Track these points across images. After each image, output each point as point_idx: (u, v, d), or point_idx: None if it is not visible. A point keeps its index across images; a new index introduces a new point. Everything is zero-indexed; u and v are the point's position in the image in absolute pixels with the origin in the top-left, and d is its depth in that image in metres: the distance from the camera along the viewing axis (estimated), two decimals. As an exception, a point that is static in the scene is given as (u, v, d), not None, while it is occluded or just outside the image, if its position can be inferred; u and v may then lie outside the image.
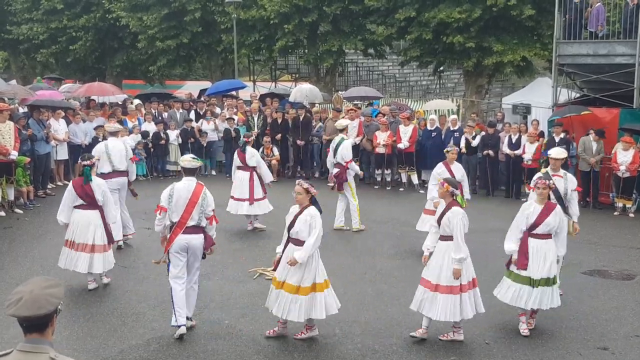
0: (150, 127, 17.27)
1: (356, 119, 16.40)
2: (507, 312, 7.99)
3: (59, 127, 15.39)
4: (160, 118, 17.95)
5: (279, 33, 24.06)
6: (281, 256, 7.16)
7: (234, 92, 21.49)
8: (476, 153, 15.88)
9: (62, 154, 15.45)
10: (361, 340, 7.30)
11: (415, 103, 22.89)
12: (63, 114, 15.83)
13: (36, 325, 3.02)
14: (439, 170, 10.12)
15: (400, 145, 15.93)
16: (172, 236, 7.28)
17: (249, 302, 8.24)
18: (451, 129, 16.30)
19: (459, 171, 10.37)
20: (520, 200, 13.14)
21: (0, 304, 6.87)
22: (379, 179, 16.57)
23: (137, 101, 19.73)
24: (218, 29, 25.59)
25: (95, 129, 15.81)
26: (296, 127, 17.35)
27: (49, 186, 14.77)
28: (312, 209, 7.09)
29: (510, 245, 7.56)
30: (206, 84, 26.37)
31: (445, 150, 10.58)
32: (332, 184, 12.66)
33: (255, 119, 17.91)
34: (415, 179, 16.12)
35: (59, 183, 15.39)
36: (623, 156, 13.80)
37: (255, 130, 17.38)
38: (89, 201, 8.63)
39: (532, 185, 7.72)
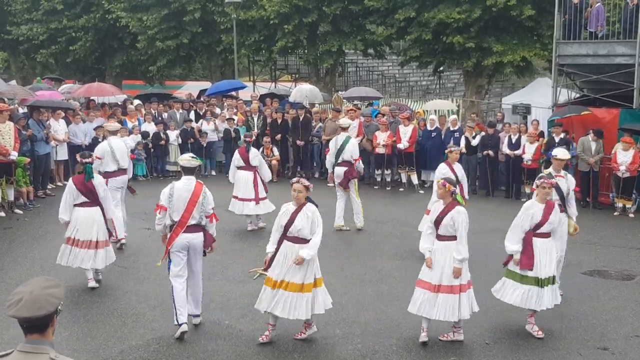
0: (150, 128, 17.27)
1: (356, 119, 16.39)
2: (507, 312, 7.99)
3: (58, 127, 15.39)
4: (160, 118, 17.95)
5: (278, 33, 24.07)
6: (273, 255, 7.09)
7: (233, 93, 21.50)
8: (476, 153, 15.87)
9: (62, 154, 15.45)
10: (361, 340, 7.30)
11: (415, 103, 22.91)
12: (63, 114, 15.84)
13: (36, 325, 3.02)
14: (444, 170, 10.09)
15: (400, 146, 15.92)
16: (173, 235, 7.29)
17: (249, 303, 8.22)
18: (451, 129, 16.30)
19: (459, 171, 10.40)
20: (521, 201, 13.15)
21: (1, 304, 6.88)
22: (378, 179, 16.56)
23: (137, 101, 19.73)
24: (218, 29, 25.60)
25: (95, 129, 15.83)
26: (296, 127, 17.35)
27: (48, 186, 14.77)
28: (311, 206, 7.09)
29: (513, 245, 7.50)
30: (206, 85, 26.37)
31: (448, 150, 10.50)
32: (332, 184, 12.67)
33: (255, 119, 17.91)
34: (415, 179, 16.12)
35: (59, 183, 15.38)
36: (623, 156, 13.80)
37: (255, 130, 17.38)
38: (92, 198, 8.72)
39: (537, 184, 7.63)
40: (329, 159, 12.31)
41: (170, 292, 7.44)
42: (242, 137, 12.87)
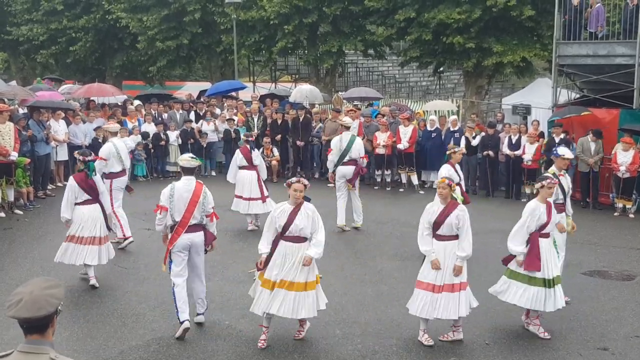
0: (150, 128, 17.27)
1: (356, 120, 16.39)
2: (507, 312, 8.00)
3: (58, 128, 15.39)
4: (160, 119, 17.95)
5: (279, 34, 24.07)
6: (269, 256, 7.03)
7: (233, 93, 21.50)
8: (476, 154, 15.88)
9: (62, 154, 15.45)
10: (361, 341, 7.30)
11: (415, 104, 22.90)
12: (63, 114, 15.84)
13: (36, 326, 3.02)
14: (450, 172, 10.08)
15: (400, 146, 15.93)
16: (175, 235, 7.30)
17: (249, 303, 8.17)
18: (451, 129, 16.30)
19: (460, 172, 10.42)
20: (521, 201, 13.17)
21: (1, 305, 6.88)
22: (378, 179, 16.57)
23: (137, 102, 19.74)
24: (218, 29, 25.60)
25: (95, 129, 15.84)
26: (296, 128, 17.36)
27: (48, 187, 14.77)
28: (309, 204, 7.09)
29: (518, 246, 7.42)
30: (206, 85, 26.38)
31: (451, 151, 10.43)
32: (332, 184, 12.68)
33: (255, 119, 17.92)
34: (415, 179, 16.12)
35: (59, 184, 15.37)
36: (623, 157, 13.80)
37: (255, 131, 17.38)
38: (93, 195, 8.85)
39: (543, 184, 7.60)
40: (332, 158, 12.19)
41: (171, 291, 7.46)
42: (242, 137, 12.83)
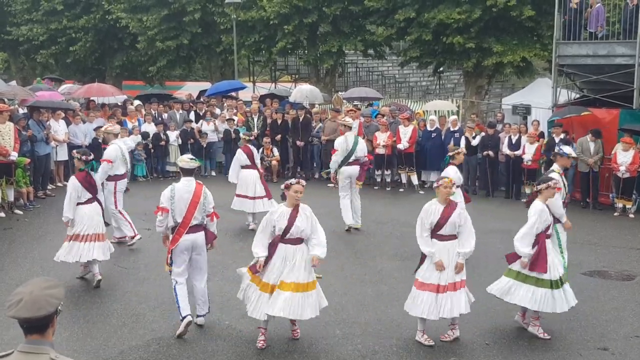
0: (150, 128, 17.27)
1: (356, 120, 16.39)
2: (507, 312, 8.00)
3: (58, 128, 15.39)
4: (160, 119, 17.95)
5: (278, 34, 24.08)
6: (265, 259, 6.95)
7: (233, 93, 21.50)
8: (476, 154, 15.88)
9: (62, 154, 15.44)
10: (361, 341, 7.30)
11: (415, 104, 22.91)
12: (63, 114, 15.84)
13: (36, 326, 3.02)
14: (458, 174, 10.10)
15: (400, 146, 15.93)
16: (177, 236, 7.32)
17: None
18: (451, 129, 16.30)
19: (459, 173, 10.42)
20: (521, 201, 13.17)
21: (1, 305, 6.87)
22: (378, 179, 16.57)
23: (137, 102, 19.74)
24: (218, 29, 25.61)
25: (95, 129, 15.83)
26: (296, 128, 17.37)
27: (48, 187, 14.77)
28: (305, 205, 7.10)
29: (526, 248, 7.34)
30: (206, 85, 26.39)
31: (455, 152, 10.40)
32: (332, 184, 12.69)
33: (255, 119, 17.92)
34: (415, 179, 16.13)
35: (59, 184, 15.38)
36: (623, 157, 13.80)
37: (255, 131, 17.39)
38: (93, 193, 8.96)
39: (550, 185, 7.58)
40: (336, 159, 12.06)
41: (171, 291, 7.48)
42: (242, 135, 12.83)
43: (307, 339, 7.32)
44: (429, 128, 16.63)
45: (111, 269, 9.41)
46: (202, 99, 21.04)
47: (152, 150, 17.05)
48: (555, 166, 8.70)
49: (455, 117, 17.60)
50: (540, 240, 7.38)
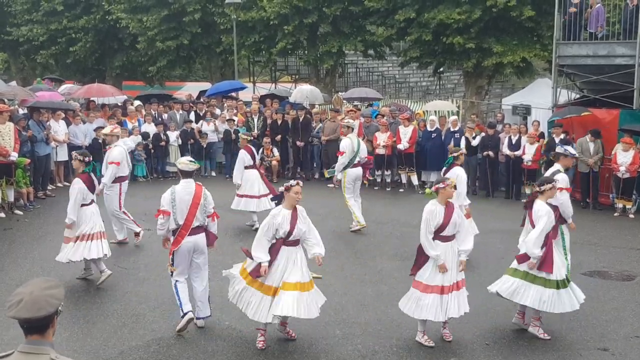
0: (150, 129, 17.27)
1: (356, 120, 16.40)
2: (507, 312, 8.00)
3: (58, 128, 15.40)
4: (160, 119, 17.95)
5: (279, 34, 24.08)
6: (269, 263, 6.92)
7: (233, 94, 21.50)
8: (476, 154, 15.88)
9: (62, 155, 15.45)
10: (361, 341, 7.30)
11: (415, 104, 22.88)
12: (63, 115, 15.86)
13: (37, 326, 3.02)
14: (465, 175, 10.15)
15: (400, 146, 15.93)
16: (179, 238, 7.33)
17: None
18: (451, 130, 16.29)
19: None
20: (521, 201, 13.15)
21: (1, 305, 6.87)
22: (378, 179, 16.57)
23: (137, 102, 19.75)
24: (218, 30, 25.61)
25: (95, 130, 15.84)
26: (296, 128, 17.37)
27: (49, 187, 14.78)
28: (301, 207, 7.11)
29: (537, 249, 7.29)
30: (206, 85, 26.39)
31: (458, 154, 10.42)
32: (332, 185, 12.71)
33: (255, 120, 17.92)
34: (415, 179, 16.13)
35: (59, 184, 15.39)
36: (623, 157, 13.80)
37: (255, 131, 17.39)
38: (93, 192, 9.07)
39: (554, 185, 7.59)
40: (343, 161, 12.00)
41: (171, 291, 7.50)
42: (242, 136, 12.83)
43: (307, 339, 7.32)
44: (429, 128, 16.62)
45: (111, 269, 9.39)
46: (202, 100, 21.04)
47: (152, 151, 17.05)
48: (558, 166, 8.70)
49: (455, 117, 17.60)
50: (547, 241, 7.39)
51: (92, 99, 18.85)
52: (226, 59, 28.17)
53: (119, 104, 19.06)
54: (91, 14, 27.64)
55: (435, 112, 19.62)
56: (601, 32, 15.11)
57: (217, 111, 19.05)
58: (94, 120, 16.53)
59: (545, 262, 7.31)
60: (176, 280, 7.41)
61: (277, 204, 7.36)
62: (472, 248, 7.34)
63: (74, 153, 9.40)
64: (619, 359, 7.06)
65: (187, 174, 7.50)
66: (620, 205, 13.99)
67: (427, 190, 7.42)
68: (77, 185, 8.85)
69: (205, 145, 17.52)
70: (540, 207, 7.44)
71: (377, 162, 16.35)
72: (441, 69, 26.64)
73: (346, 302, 8.42)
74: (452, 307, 7.08)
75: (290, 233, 6.93)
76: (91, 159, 9.08)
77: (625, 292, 9.19)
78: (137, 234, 10.92)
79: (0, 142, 12.28)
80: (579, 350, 7.20)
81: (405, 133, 16.02)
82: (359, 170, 12.08)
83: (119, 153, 10.73)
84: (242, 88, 22.52)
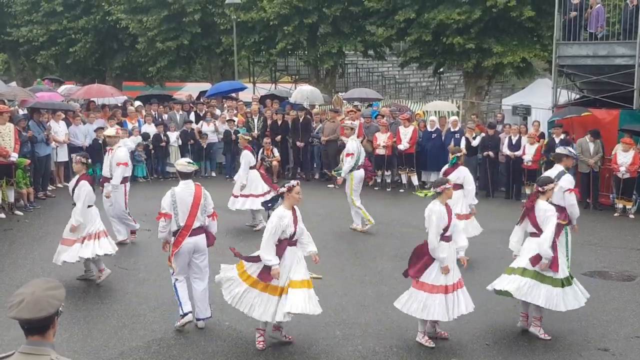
0: (150, 129, 17.27)
1: (356, 121, 16.41)
2: (507, 313, 8.00)
3: (59, 129, 15.40)
4: (160, 120, 17.96)
5: (278, 35, 24.08)
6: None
7: (234, 94, 21.50)
8: (476, 154, 15.88)
9: (62, 155, 15.45)
10: (361, 342, 7.30)
11: (415, 104, 22.87)
12: (63, 115, 15.86)
13: (37, 327, 3.02)
14: (471, 175, 10.18)
15: (400, 147, 15.94)
16: (180, 239, 7.34)
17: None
18: (451, 130, 16.30)
19: None
20: (521, 202, 13.15)
21: (1, 306, 6.88)
22: (379, 180, 16.57)
23: (137, 103, 19.76)
24: (218, 30, 25.63)
25: (95, 130, 15.83)
26: (296, 128, 17.37)
27: (49, 188, 14.79)
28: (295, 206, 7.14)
29: (551, 250, 7.28)
30: (206, 86, 26.40)
31: (462, 153, 10.43)
32: (333, 186, 12.74)
33: (255, 120, 17.92)
34: (415, 180, 16.13)
35: (59, 185, 15.39)
36: (623, 157, 13.80)
37: (255, 131, 17.40)
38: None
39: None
40: (352, 163, 12.04)
41: (171, 291, 7.52)
42: (242, 136, 12.86)
43: (308, 339, 7.32)
44: (429, 129, 16.62)
45: (111, 269, 9.39)
46: (202, 100, 21.05)
47: (153, 151, 17.05)
48: (560, 167, 8.70)
49: (455, 117, 17.61)
50: (554, 241, 7.42)
51: (92, 99, 18.87)
52: (226, 59, 28.17)
53: (119, 105, 19.07)
54: (91, 14, 27.65)
55: (435, 112, 19.62)
56: (601, 33, 15.12)
57: (217, 112, 19.06)
58: (94, 120, 16.54)
59: (552, 262, 7.33)
60: (175, 280, 7.45)
61: (270, 207, 7.40)
62: (467, 245, 7.46)
63: (74, 156, 9.37)
64: (619, 359, 7.06)
65: (185, 175, 7.51)
66: (620, 205, 13.99)
67: (429, 192, 7.37)
68: (86, 187, 8.87)
69: (205, 146, 17.53)
70: (547, 207, 7.45)
71: (377, 163, 16.38)
72: (441, 70, 26.65)
73: (346, 303, 8.42)
74: (461, 304, 7.11)
75: (294, 234, 6.96)
76: (90, 161, 9.17)
77: (626, 293, 9.19)
78: (133, 232, 11.03)
79: (1, 142, 12.27)
80: (579, 351, 7.20)
81: (406, 133, 16.02)
82: (362, 172, 12.20)
83: (125, 154, 10.86)
84: (242, 88, 22.53)
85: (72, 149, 15.43)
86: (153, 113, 18.10)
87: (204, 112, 18.81)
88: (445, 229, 7.16)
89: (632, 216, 13.77)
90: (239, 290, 7.03)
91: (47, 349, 3.04)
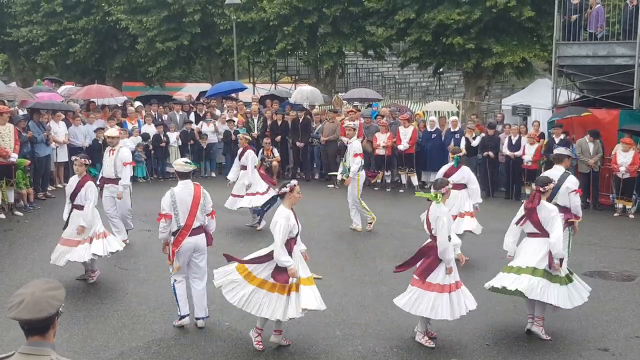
0: (150, 129, 17.28)
1: (356, 121, 16.41)
2: (507, 313, 8.01)
3: (58, 129, 15.40)
4: (160, 120, 17.96)
5: (278, 35, 24.09)
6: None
7: (233, 94, 21.50)
8: (476, 154, 15.88)
9: (62, 156, 15.45)
10: (361, 342, 7.30)
11: (415, 104, 22.87)
12: (63, 116, 15.86)
13: (37, 328, 3.02)
14: (473, 174, 10.24)
15: (400, 147, 15.94)
16: (180, 238, 7.36)
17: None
18: (451, 130, 16.30)
19: None
20: (521, 202, 13.16)
21: (1, 306, 6.88)
22: (379, 180, 16.57)
23: (137, 103, 19.76)
24: (217, 30, 25.63)
25: (95, 131, 15.83)
26: (296, 129, 17.37)
27: (49, 188, 14.79)
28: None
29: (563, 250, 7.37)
30: (206, 86, 26.39)
31: (463, 154, 10.49)
32: (333, 186, 12.74)
33: (255, 121, 17.92)
34: (415, 180, 16.14)
35: (59, 185, 15.38)
36: (623, 157, 13.80)
37: (255, 132, 17.40)
38: None
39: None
40: (362, 163, 12.18)
41: (171, 291, 7.53)
42: (243, 137, 12.86)
43: (308, 339, 7.32)
44: (429, 129, 16.63)
45: (111, 270, 9.41)
46: (202, 100, 21.05)
47: (152, 152, 17.05)
48: (561, 167, 8.71)
49: (455, 117, 17.61)
50: None
51: (92, 100, 18.87)
52: (226, 59, 28.17)
53: (119, 105, 19.07)
54: (91, 15, 27.66)
55: (435, 112, 19.62)
56: (601, 33, 15.12)
57: (217, 112, 19.06)
58: (94, 121, 16.54)
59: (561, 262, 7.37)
60: (174, 280, 7.48)
61: (268, 209, 7.41)
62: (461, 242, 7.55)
63: (76, 158, 9.34)
64: (619, 359, 7.06)
65: (184, 175, 7.53)
66: (620, 205, 13.99)
67: (437, 198, 7.28)
68: (94, 188, 8.95)
69: (205, 146, 17.53)
70: (552, 208, 7.48)
71: (377, 163, 16.38)
72: (441, 70, 26.64)
73: (346, 303, 8.42)
74: (467, 301, 7.12)
75: (298, 233, 6.99)
76: (90, 162, 9.28)
77: (626, 293, 9.19)
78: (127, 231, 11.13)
79: (0, 143, 12.28)
80: (579, 351, 7.20)
81: (405, 134, 16.02)
82: (364, 172, 12.35)
83: (129, 154, 11.02)
84: (242, 89, 22.53)
85: (72, 149, 15.46)
86: (153, 113, 18.11)
87: (203, 112, 18.81)
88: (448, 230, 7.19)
89: (632, 216, 13.78)
90: (246, 292, 6.93)
91: (47, 350, 3.04)
